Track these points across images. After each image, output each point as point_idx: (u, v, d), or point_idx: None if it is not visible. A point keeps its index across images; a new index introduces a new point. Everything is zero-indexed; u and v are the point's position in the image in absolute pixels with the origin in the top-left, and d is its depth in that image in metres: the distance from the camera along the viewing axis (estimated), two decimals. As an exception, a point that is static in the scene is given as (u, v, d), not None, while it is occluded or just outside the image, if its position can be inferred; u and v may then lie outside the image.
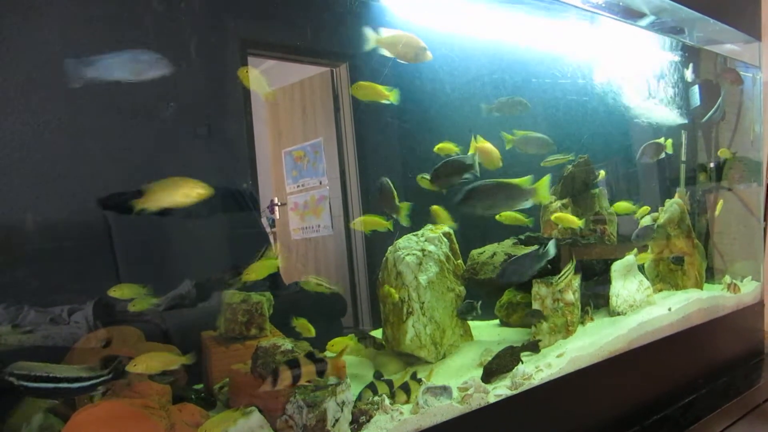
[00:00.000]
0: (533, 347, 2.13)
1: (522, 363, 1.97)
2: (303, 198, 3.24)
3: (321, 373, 1.44)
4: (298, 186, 3.25)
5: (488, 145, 2.12)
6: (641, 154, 2.70)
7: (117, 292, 1.60)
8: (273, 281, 2.45)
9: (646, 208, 2.94)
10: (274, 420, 1.44)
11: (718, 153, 3.30)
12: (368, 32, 1.82)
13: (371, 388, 1.72)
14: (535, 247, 2.19)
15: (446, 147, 2.17)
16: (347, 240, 3.12)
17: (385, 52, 1.84)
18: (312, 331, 1.90)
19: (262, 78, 1.69)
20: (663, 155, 2.73)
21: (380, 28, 1.82)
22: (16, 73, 1.82)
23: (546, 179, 1.83)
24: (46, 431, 1.33)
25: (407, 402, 1.70)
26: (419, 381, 1.80)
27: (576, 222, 2.48)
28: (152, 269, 2.12)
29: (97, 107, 1.98)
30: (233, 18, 2.32)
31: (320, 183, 3.14)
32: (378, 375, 1.94)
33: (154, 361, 1.36)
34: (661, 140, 2.72)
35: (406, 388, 1.74)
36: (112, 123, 2.04)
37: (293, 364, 1.39)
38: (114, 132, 2.06)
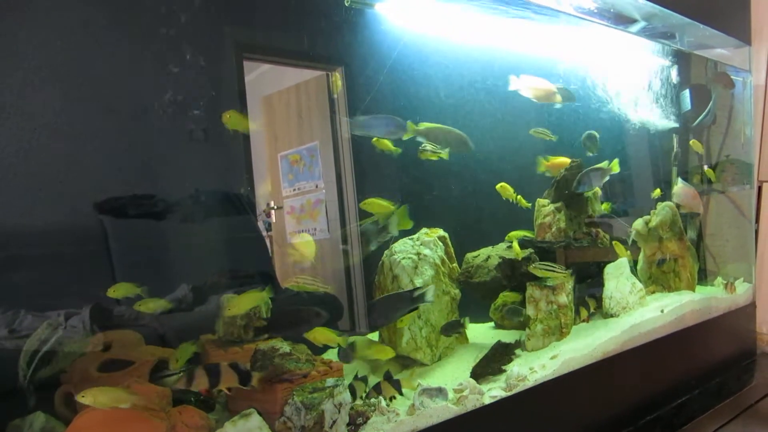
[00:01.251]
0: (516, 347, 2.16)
1: (505, 369, 1.98)
2: (299, 201, 3.25)
3: (244, 383, 1.45)
4: (294, 189, 3.26)
5: (560, 159, 2.51)
6: (578, 183, 2.43)
7: (117, 292, 1.60)
8: (270, 285, 2.46)
9: (657, 191, 3.00)
10: (273, 422, 1.46)
11: (690, 144, 3.28)
12: (512, 78, 2.27)
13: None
14: (413, 287, 2.10)
15: (383, 144, 2.16)
16: (344, 243, 3.13)
17: (524, 94, 2.29)
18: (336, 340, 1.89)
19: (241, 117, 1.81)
20: (607, 178, 2.54)
21: (522, 75, 2.29)
22: (13, 75, 1.83)
23: (403, 209, 1.98)
24: (48, 434, 1.34)
25: None
26: (394, 383, 1.79)
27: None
28: (149, 273, 2.13)
29: (94, 111, 2.00)
30: (228, 22, 2.34)
31: (316, 186, 3.15)
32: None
33: (102, 395, 1.30)
34: (604, 164, 2.53)
35: (377, 389, 1.74)
36: (108, 127, 2.05)
37: (213, 369, 1.41)
38: (110, 136, 2.07)
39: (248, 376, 1.47)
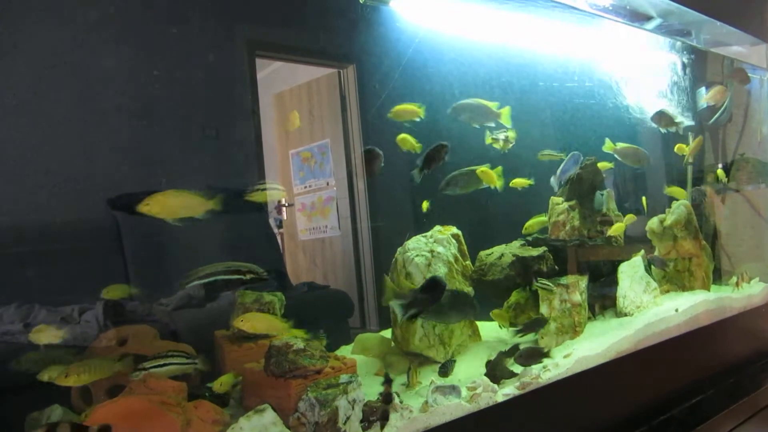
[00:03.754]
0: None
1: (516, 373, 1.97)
2: (310, 199, 3.25)
3: None
4: (305, 187, 3.27)
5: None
6: (446, 183, 2.22)
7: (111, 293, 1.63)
8: (281, 282, 2.47)
9: (630, 216, 2.87)
10: (287, 417, 1.47)
11: (675, 150, 3.19)
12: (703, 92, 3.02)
13: None
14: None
15: (407, 143, 2.17)
16: (354, 240, 3.13)
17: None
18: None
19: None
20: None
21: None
22: (26, 76, 1.84)
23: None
24: (66, 427, 1.35)
25: None
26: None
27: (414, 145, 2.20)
28: (161, 269, 2.14)
29: (108, 110, 2.01)
30: (241, 20, 2.34)
31: (327, 184, 3.16)
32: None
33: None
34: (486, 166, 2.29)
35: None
36: (122, 126, 2.07)
37: None
38: (125, 134, 2.09)
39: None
